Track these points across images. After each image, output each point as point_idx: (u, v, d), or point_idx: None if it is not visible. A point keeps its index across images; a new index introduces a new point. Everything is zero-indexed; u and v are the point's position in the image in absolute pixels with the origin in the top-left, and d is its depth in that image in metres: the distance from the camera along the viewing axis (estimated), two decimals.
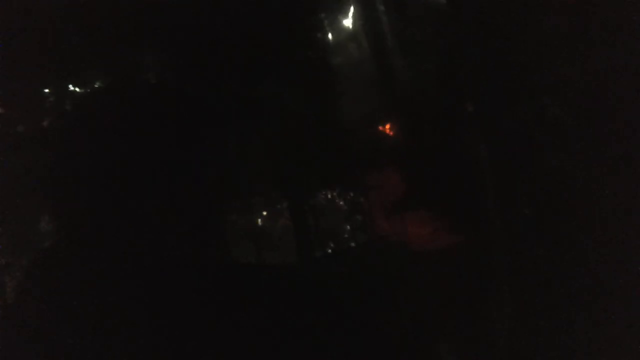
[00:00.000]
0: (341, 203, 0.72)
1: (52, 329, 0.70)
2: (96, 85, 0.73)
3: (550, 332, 0.72)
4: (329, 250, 0.72)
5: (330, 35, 0.73)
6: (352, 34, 0.73)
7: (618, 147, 0.72)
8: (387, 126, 0.72)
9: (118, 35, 0.72)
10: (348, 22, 0.73)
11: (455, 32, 0.73)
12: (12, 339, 0.69)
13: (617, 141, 0.72)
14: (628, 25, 0.74)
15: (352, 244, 0.72)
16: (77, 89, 0.73)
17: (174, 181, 0.71)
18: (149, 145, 0.71)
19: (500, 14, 0.74)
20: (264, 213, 0.72)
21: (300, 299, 0.70)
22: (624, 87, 0.73)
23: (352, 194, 0.72)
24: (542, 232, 0.73)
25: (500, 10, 0.74)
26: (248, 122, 0.73)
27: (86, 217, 0.71)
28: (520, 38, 0.73)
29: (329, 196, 0.72)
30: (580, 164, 0.73)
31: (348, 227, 0.72)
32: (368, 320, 0.71)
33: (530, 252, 0.72)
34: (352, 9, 0.73)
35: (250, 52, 0.71)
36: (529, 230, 0.73)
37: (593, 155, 0.73)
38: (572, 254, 0.72)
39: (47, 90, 0.73)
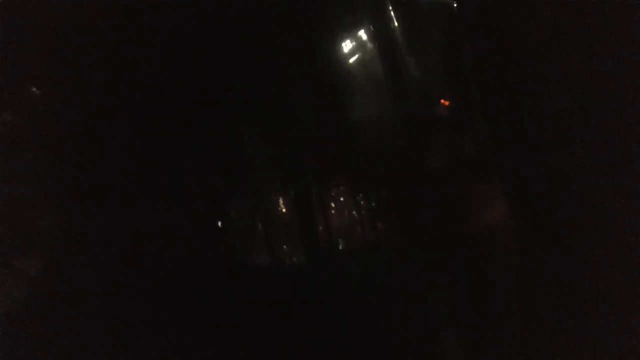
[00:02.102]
0: (351, 203, 0.71)
1: (55, 331, 0.69)
2: (97, 86, 0.72)
3: (555, 333, 0.72)
4: (338, 250, 0.71)
5: (337, 36, 0.72)
6: (360, 34, 0.73)
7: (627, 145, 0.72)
8: (398, 126, 0.72)
9: (119, 34, 0.72)
10: (356, 22, 0.73)
11: (461, 30, 0.73)
12: (13, 343, 0.69)
13: (627, 139, 0.72)
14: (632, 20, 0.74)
15: (362, 244, 0.71)
16: (77, 90, 0.73)
17: (180, 180, 0.71)
18: (151, 146, 0.71)
19: (504, 12, 0.73)
20: (271, 213, 0.72)
21: (308, 299, 0.70)
22: (630, 83, 0.72)
23: (362, 194, 0.71)
24: (549, 232, 0.72)
25: (504, 7, 0.73)
26: (254, 120, 0.72)
27: (88, 217, 0.71)
28: (526, 34, 0.73)
29: (339, 196, 0.72)
30: (588, 162, 0.72)
31: (358, 227, 0.71)
32: (376, 321, 0.70)
33: (536, 252, 0.72)
34: (359, 7, 0.73)
35: (256, 52, 0.71)
36: (534, 231, 0.72)
37: (602, 153, 0.72)
38: (578, 254, 0.72)
39: (46, 91, 0.73)
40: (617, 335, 0.71)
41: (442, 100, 0.73)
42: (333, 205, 0.71)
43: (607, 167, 0.72)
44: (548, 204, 0.72)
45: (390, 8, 0.71)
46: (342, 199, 0.71)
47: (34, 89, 0.73)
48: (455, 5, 0.73)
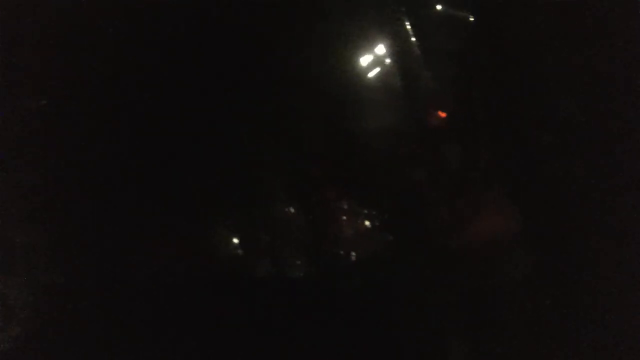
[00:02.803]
0: (357, 211, 0.71)
1: (54, 332, 0.69)
2: (96, 86, 0.72)
3: (555, 333, 0.72)
4: (343, 258, 0.71)
5: (349, 44, 0.72)
6: (368, 44, 0.72)
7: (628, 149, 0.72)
8: (405, 136, 0.72)
9: (119, 35, 0.71)
10: (367, 30, 0.72)
11: (468, 40, 0.73)
12: (14, 345, 0.69)
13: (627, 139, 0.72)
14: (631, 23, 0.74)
15: (366, 252, 0.71)
16: (76, 90, 0.72)
17: (180, 186, 0.71)
18: (151, 148, 0.71)
19: (505, 18, 0.73)
20: (274, 221, 0.72)
21: (309, 306, 0.70)
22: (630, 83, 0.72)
23: (368, 203, 0.71)
24: (550, 233, 0.72)
25: (506, 13, 0.73)
26: (258, 128, 0.72)
27: (88, 219, 0.71)
28: (529, 39, 0.73)
29: (343, 205, 0.72)
30: (589, 167, 0.72)
31: (363, 235, 0.71)
32: (380, 329, 0.70)
33: (540, 255, 0.72)
34: (372, 17, 0.73)
35: (262, 62, 0.71)
36: (535, 232, 0.72)
37: (602, 154, 0.73)
38: (578, 254, 0.72)
39: (45, 92, 0.73)
40: (617, 335, 0.71)
41: (447, 109, 0.73)
42: (340, 213, 0.71)
43: (608, 168, 0.72)
44: (549, 206, 0.72)
45: (398, 20, 0.71)
46: (348, 207, 0.71)
47: (33, 89, 0.73)
48: (458, 14, 0.73)
